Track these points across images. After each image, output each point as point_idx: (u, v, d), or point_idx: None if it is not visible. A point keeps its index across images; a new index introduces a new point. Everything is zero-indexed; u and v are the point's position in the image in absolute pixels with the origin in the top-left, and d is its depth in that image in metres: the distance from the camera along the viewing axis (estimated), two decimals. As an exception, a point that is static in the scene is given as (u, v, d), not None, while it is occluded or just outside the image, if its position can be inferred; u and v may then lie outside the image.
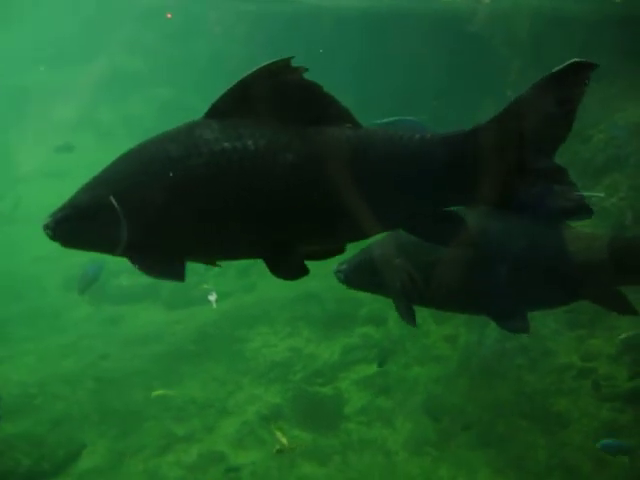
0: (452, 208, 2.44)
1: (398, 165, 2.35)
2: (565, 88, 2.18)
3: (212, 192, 2.32)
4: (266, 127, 2.34)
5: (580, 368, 7.33)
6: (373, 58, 12.33)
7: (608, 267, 3.22)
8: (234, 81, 2.36)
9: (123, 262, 2.49)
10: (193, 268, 2.55)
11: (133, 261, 2.40)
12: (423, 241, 2.52)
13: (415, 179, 2.35)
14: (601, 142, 8.64)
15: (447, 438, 7.70)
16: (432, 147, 2.33)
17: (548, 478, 6.87)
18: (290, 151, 2.32)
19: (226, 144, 2.32)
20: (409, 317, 3.46)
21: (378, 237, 3.13)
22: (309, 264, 2.45)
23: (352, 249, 2.72)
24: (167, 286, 11.69)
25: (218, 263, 2.57)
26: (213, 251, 2.50)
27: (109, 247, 2.42)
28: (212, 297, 9.43)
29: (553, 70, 2.17)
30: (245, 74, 2.33)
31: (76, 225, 2.39)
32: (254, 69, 2.32)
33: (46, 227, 2.39)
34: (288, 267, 2.44)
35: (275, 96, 2.35)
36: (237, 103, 2.36)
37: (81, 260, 8.78)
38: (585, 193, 2.32)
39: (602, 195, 7.70)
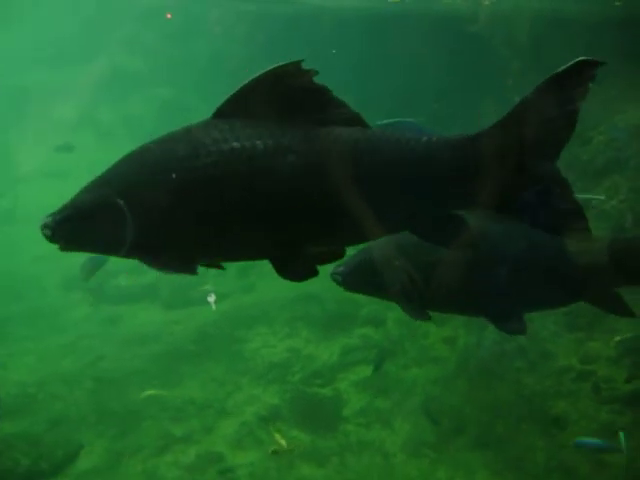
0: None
1: (405, 168, 2.34)
2: (569, 88, 2.16)
3: (221, 192, 2.30)
4: (274, 128, 2.33)
5: (579, 370, 7.33)
6: (373, 59, 12.33)
7: (608, 268, 3.22)
8: (240, 82, 2.34)
9: (122, 262, 2.49)
10: (192, 268, 2.53)
11: (143, 259, 2.37)
12: (423, 241, 2.51)
13: (420, 182, 2.35)
14: (601, 144, 8.64)
15: (445, 440, 7.69)
16: (438, 151, 2.32)
17: (546, 480, 6.88)
18: (299, 152, 2.31)
19: (235, 144, 2.30)
20: (419, 314, 3.41)
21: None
22: None
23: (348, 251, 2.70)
24: (166, 286, 11.69)
25: (221, 264, 2.54)
26: (220, 251, 2.47)
27: (112, 248, 2.39)
28: (211, 298, 9.44)
29: (558, 70, 2.15)
30: (255, 75, 2.31)
31: (78, 225, 2.35)
32: (264, 71, 2.30)
33: (45, 227, 2.33)
34: (297, 268, 2.42)
35: (285, 98, 2.34)
36: (245, 104, 2.34)
37: (81, 260, 8.78)
38: (585, 195, 2.31)
39: (602, 197, 7.69)
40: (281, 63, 2.29)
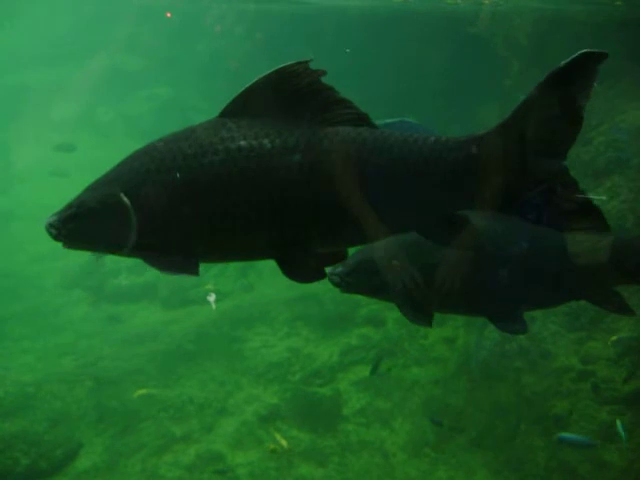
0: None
1: (412, 168, 2.33)
2: (574, 82, 2.09)
3: (228, 190, 2.29)
4: (282, 127, 2.33)
5: (579, 370, 7.31)
6: (374, 59, 12.32)
7: (609, 267, 3.22)
8: (241, 81, 2.33)
9: (122, 261, 2.47)
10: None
11: (146, 259, 2.35)
12: (423, 241, 2.50)
13: (427, 182, 2.35)
14: (602, 144, 8.62)
15: (445, 440, 7.69)
16: (444, 151, 2.32)
17: (546, 480, 6.88)
18: (307, 150, 2.30)
19: (243, 142, 2.29)
20: (420, 319, 3.39)
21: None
22: None
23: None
24: (165, 286, 11.68)
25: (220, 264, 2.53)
26: (225, 251, 2.45)
27: (117, 247, 2.37)
28: (211, 298, 9.43)
29: (560, 64, 2.06)
30: (262, 74, 2.31)
31: (84, 224, 2.33)
32: (271, 70, 2.30)
33: (50, 226, 2.33)
34: (304, 270, 2.40)
35: (292, 98, 2.33)
36: (252, 103, 2.34)
37: (80, 260, 8.77)
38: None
39: (604, 198, 7.68)
40: (288, 62, 2.29)
